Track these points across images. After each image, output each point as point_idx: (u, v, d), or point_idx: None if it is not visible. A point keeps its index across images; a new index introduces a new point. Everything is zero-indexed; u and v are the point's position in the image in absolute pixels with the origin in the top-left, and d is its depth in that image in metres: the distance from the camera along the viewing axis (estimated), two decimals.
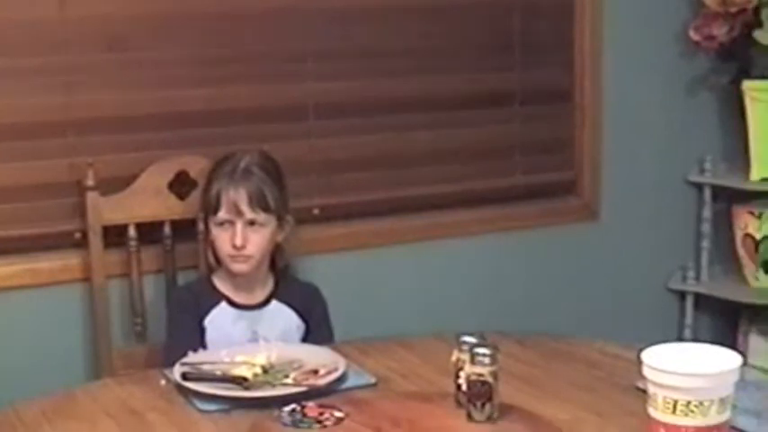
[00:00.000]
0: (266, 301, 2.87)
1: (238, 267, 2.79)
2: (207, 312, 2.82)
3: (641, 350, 1.86)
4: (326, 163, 3.30)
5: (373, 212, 3.39)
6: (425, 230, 3.45)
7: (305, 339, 2.85)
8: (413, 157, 3.43)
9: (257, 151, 2.87)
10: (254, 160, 2.82)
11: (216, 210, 2.77)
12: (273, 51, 3.20)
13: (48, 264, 2.99)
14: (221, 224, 2.77)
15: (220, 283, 2.86)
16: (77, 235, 2.99)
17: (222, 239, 2.78)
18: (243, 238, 2.75)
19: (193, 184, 3.01)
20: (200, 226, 2.94)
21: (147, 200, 2.99)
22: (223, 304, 2.84)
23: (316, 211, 3.27)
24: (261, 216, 2.77)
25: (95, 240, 2.95)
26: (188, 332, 2.77)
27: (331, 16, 3.26)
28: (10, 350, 2.98)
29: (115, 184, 2.98)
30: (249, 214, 2.76)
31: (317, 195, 3.29)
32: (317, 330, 2.89)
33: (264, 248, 2.81)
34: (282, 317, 2.87)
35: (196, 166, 3.00)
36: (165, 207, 3.01)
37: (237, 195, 2.75)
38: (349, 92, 3.31)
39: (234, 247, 2.75)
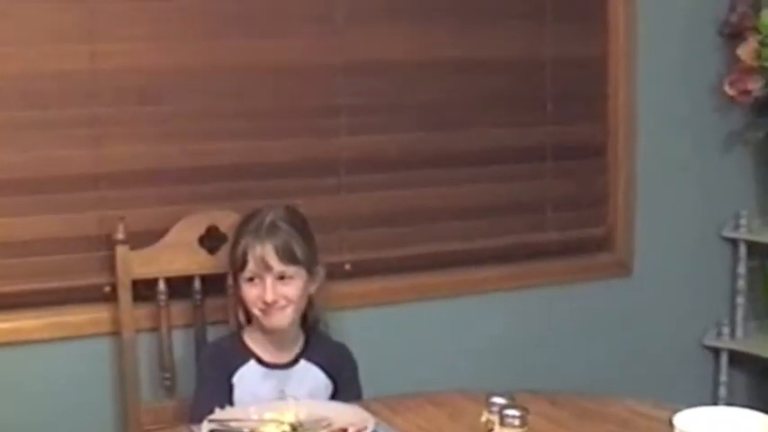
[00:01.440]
0: (295, 361, 2.84)
1: (271, 321, 2.77)
2: (236, 370, 2.80)
3: (675, 411, 1.82)
4: (358, 218, 3.30)
5: (404, 268, 3.37)
6: (456, 286, 3.43)
7: (333, 399, 2.83)
8: (444, 212, 3.41)
9: (283, 206, 2.86)
10: (280, 215, 2.81)
11: (243, 266, 2.75)
12: (304, 106, 3.21)
13: (77, 317, 2.99)
14: (250, 279, 2.76)
15: (250, 341, 2.84)
16: (107, 288, 2.99)
17: (252, 295, 2.76)
18: (273, 292, 2.73)
19: (224, 238, 2.99)
20: (230, 281, 2.93)
21: (177, 254, 2.99)
22: (252, 362, 2.81)
23: (347, 267, 3.27)
24: (290, 269, 2.76)
25: (125, 294, 2.95)
26: (216, 389, 2.75)
27: (362, 71, 3.26)
28: (38, 404, 2.97)
29: (145, 238, 2.98)
30: (278, 267, 2.74)
31: (348, 251, 3.28)
32: (345, 390, 2.85)
33: (297, 300, 2.78)
34: (311, 376, 2.85)
35: (226, 220, 2.99)
36: (195, 261, 3.01)
37: (264, 250, 2.73)
38: (380, 146, 3.31)
39: (264, 302, 2.74)
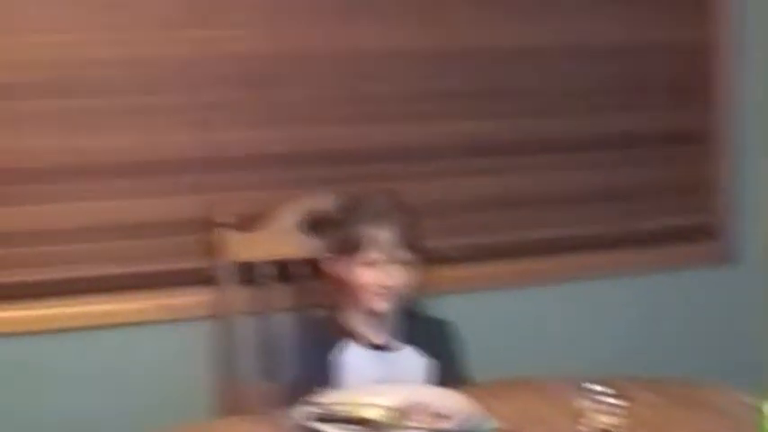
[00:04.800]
0: (396, 341, 2.86)
1: (382, 305, 2.79)
2: (335, 351, 2.82)
3: None
4: (465, 203, 3.31)
5: (507, 253, 3.38)
6: (559, 272, 3.43)
7: (436, 377, 2.83)
8: (550, 198, 3.41)
9: (387, 192, 2.88)
10: (392, 201, 2.83)
11: (359, 250, 2.77)
12: (401, 91, 3.22)
13: (180, 300, 3.04)
14: (366, 264, 2.78)
15: (351, 322, 2.86)
16: (210, 272, 3.03)
17: (369, 278, 2.78)
18: (393, 276, 2.76)
19: (325, 222, 3.02)
20: (331, 263, 2.95)
21: (279, 238, 3.02)
22: (352, 344, 2.83)
23: (452, 252, 3.27)
24: (407, 255, 2.78)
25: (227, 277, 2.99)
26: (315, 370, 2.77)
27: (462, 56, 3.26)
28: (139, 384, 3.04)
29: (248, 222, 3.01)
30: (397, 253, 2.77)
31: (453, 235, 3.29)
32: (448, 368, 2.86)
33: (407, 286, 2.81)
34: (412, 357, 2.85)
35: (329, 205, 3.01)
36: (297, 245, 3.03)
37: (384, 235, 2.76)
38: (493, 131, 3.31)
39: (382, 286, 2.76)
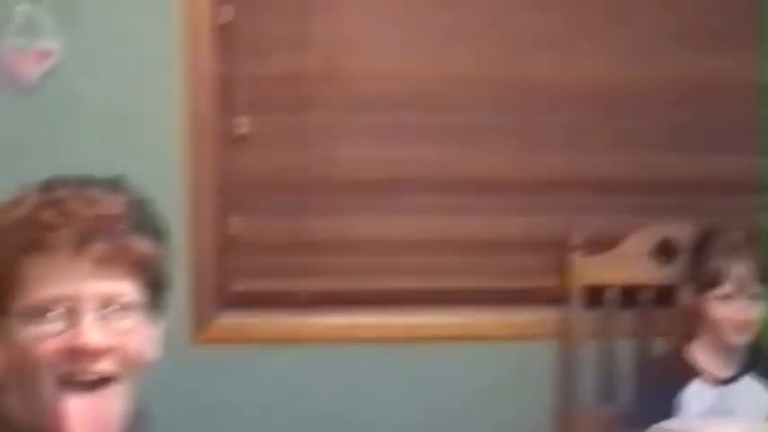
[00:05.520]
0: (739, 375, 2.81)
1: (740, 339, 2.78)
2: (680, 389, 2.78)
3: None
4: None
5: None
6: None
7: None
8: None
9: (739, 223, 2.85)
10: (743, 233, 2.80)
11: (716, 283, 2.76)
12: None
13: (526, 318, 3.08)
14: (723, 297, 2.76)
15: (698, 356, 2.82)
16: (558, 292, 3.05)
17: (725, 313, 2.76)
18: (746, 310, 2.75)
19: (676, 252, 2.99)
20: (681, 295, 2.92)
21: (629, 264, 3.02)
22: (696, 381, 2.80)
23: None
24: (759, 288, 2.76)
25: (575, 299, 3.01)
26: (654, 407, 2.74)
27: None
28: (479, 398, 3.07)
29: (598, 246, 3.03)
30: (751, 287, 2.75)
31: None
32: None
33: (760, 320, 2.78)
34: (753, 392, 2.80)
35: (681, 234, 2.99)
36: (646, 272, 3.02)
37: (740, 269, 2.74)
38: None
39: (740, 320, 2.74)
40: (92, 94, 2.85)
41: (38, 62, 2.81)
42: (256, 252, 3.01)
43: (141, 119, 2.87)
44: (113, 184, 1.51)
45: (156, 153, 2.86)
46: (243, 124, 2.95)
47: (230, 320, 3.00)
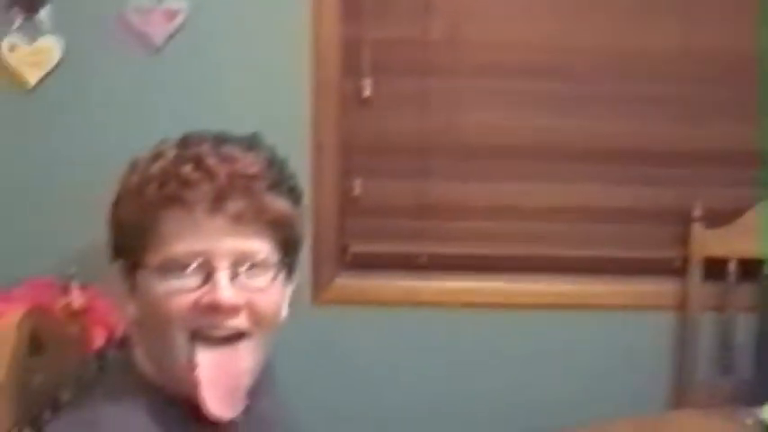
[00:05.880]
0: None
1: None
2: None
3: None
4: None
5: None
6: None
7: None
8: None
9: None
10: None
11: None
12: None
13: (645, 288, 3.07)
14: None
15: None
16: (677, 263, 3.04)
17: None
18: None
19: None
20: None
21: (752, 236, 2.98)
22: None
23: None
24: None
25: (695, 271, 2.99)
26: None
27: None
28: (594, 368, 3.08)
29: (720, 218, 3.00)
30: None
31: None
32: None
33: None
34: None
35: None
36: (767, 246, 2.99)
37: None
38: None
39: None
40: (218, 54, 2.90)
41: (165, 22, 2.86)
42: (376, 214, 3.05)
43: (267, 79, 2.91)
44: (249, 142, 1.52)
45: (282, 114, 2.89)
46: (366, 87, 2.98)
47: (349, 282, 3.05)
